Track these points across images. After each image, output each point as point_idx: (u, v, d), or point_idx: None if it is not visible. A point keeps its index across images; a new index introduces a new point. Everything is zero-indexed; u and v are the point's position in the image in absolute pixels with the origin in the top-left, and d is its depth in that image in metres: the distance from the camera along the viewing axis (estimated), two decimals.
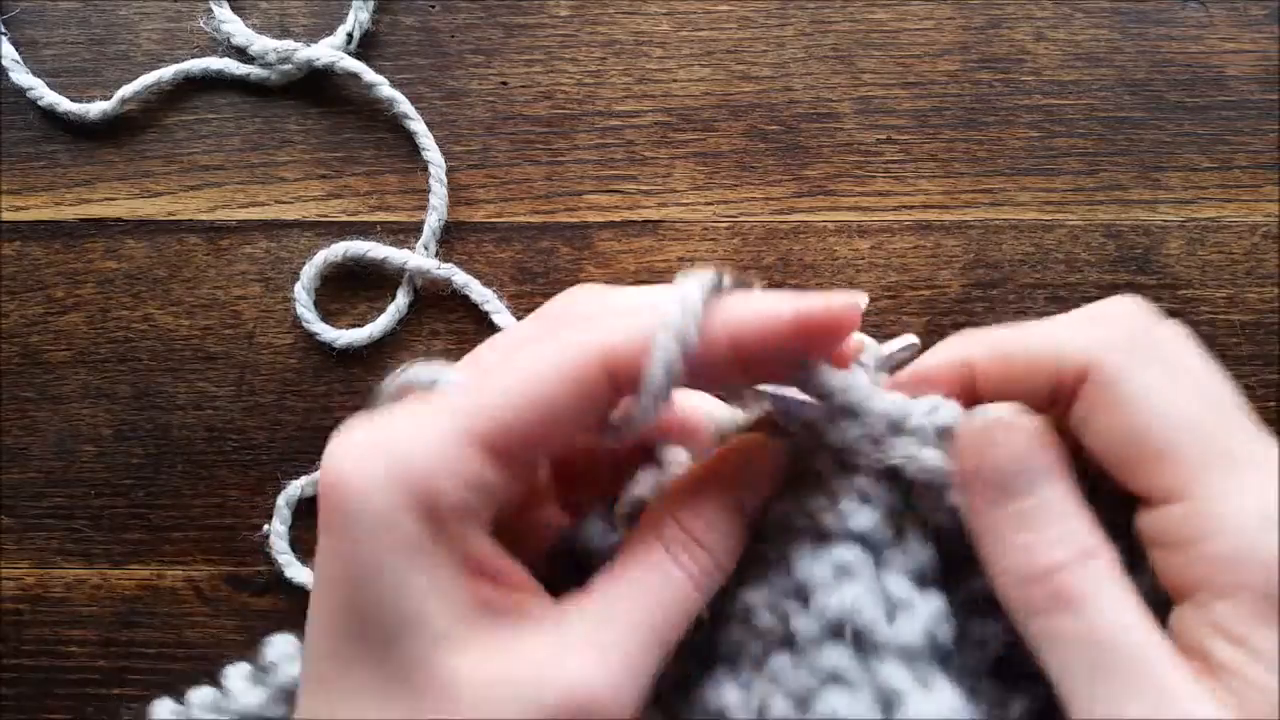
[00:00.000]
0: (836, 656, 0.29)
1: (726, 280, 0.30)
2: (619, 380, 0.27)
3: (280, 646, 0.38)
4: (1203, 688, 0.25)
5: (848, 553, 0.30)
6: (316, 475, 0.46)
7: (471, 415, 0.26)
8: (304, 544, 0.46)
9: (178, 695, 0.42)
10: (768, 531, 0.31)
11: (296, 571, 0.45)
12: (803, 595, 0.30)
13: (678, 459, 0.33)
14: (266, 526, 0.46)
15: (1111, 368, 0.27)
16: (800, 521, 0.31)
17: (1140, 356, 0.28)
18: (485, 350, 0.30)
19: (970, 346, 0.31)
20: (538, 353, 0.27)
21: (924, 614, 0.29)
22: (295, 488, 0.46)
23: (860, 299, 0.30)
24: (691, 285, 0.29)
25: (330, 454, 0.26)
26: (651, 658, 0.27)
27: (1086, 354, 0.28)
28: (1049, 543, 0.28)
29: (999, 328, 0.31)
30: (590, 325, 0.28)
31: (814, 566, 0.30)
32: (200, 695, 0.38)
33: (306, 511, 0.46)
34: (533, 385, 0.26)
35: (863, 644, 0.29)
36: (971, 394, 0.30)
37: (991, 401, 0.29)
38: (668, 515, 0.29)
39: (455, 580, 0.26)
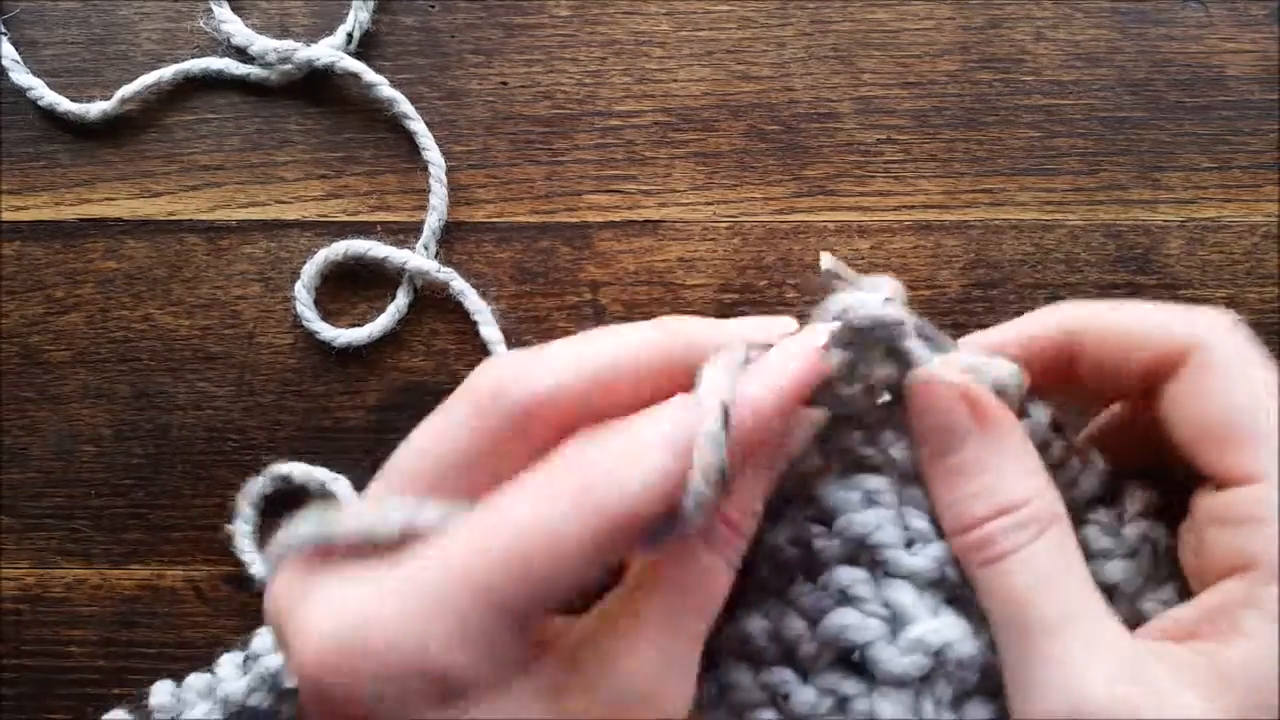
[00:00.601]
0: (851, 575, 0.30)
1: (742, 358, 0.28)
2: (644, 524, 0.26)
3: (266, 638, 0.39)
4: (1114, 660, 0.26)
5: (878, 481, 0.31)
6: (273, 470, 0.46)
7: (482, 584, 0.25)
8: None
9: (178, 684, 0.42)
10: (788, 480, 0.31)
11: (261, 568, 0.46)
12: (827, 519, 0.31)
13: None
14: (228, 527, 0.46)
15: (1220, 350, 0.29)
16: (831, 457, 0.31)
17: (1244, 346, 0.29)
18: (409, 460, 0.27)
19: (1076, 315, 0.31)
20: (541, 521, 0.25)
21: (939, 548, 0.30)
22: (255, 484, 0.46)
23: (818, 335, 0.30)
24: (717, 382, 0.27)
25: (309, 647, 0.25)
26: (697, 649, 0.28)
27: (1195, 335, 0.29)
28: (968, 498, 0.29)
29: (1101, 303, 0.31)
30: (589, 477, 0.25)
31: (843, 492, 0.31)
32: (195, 680, 0.38)
33: (271, 508, 0.46)
34: (548, 561, 0.25)
35: (878, 567, 0.30)
36: (1070, 362, 0.31)
37: (1090, 375, 0.30)
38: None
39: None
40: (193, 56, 0.47)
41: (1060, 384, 0.32)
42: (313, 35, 0.47)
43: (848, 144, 0.47)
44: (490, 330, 0.46)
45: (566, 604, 0.26)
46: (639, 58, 0.47)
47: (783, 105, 0.47)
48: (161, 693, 0.41)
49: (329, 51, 0.46)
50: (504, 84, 0.47)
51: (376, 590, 0.25)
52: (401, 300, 0.47)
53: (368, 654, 0.24)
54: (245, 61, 0.47)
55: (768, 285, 0.46)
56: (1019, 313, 0.46)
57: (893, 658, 0.29)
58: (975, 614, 0.29)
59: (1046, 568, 0.28)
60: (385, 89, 0.46)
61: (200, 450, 0.47)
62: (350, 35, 0.47)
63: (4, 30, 0.47)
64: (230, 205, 0.47)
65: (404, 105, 0.46)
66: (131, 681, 0.46)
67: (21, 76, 0.47)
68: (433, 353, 0.47)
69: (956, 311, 0.46)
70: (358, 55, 0.47)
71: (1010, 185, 0.47)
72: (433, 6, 0.48)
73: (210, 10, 0.47)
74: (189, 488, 0.47)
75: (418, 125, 0.47)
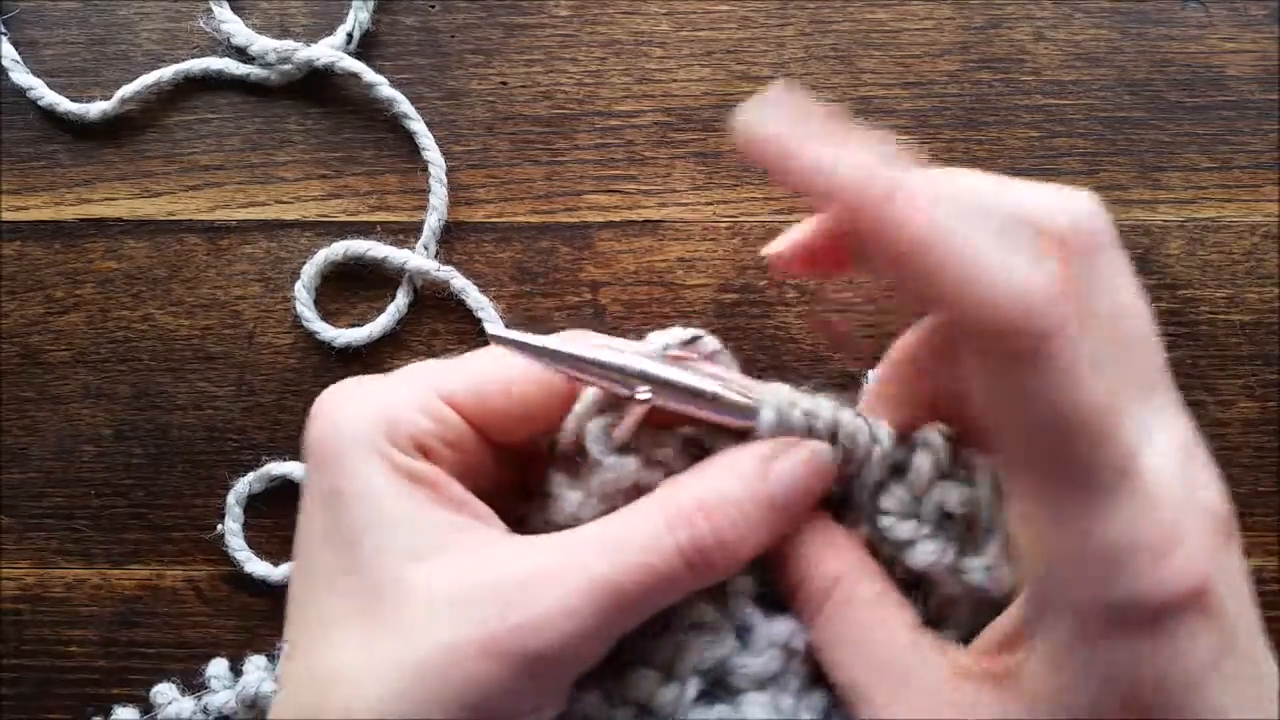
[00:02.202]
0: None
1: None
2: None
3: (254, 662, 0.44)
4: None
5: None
6: (264, 470, 0.46)
7: (438, 376, 0.30)
8: (258, 541, 0.46)
9: (180, 687, 0.44)
10: None
11: (256, 566, 0.46)
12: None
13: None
14: (220, 526, 0.46)
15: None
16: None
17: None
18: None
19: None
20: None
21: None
22: (244, 484, 0.46)
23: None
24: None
25: (317, 402, 0.30)
26: (614, 618, 0.27)
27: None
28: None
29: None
30: None
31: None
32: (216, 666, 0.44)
33: (257, 509, 0.46)
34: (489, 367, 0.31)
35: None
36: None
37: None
38: (684, 488, 0.29)
39: (422, 498, 0.28)
40: (193, 56, 0.47)
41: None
42: (313, 35, 0.47)
43: None
44: (494, 327, 0.46)
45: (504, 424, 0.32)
46: (639, 58, 0.47)
47: None
48: (163, 698, 0.43)
49: (329, 51, 0.46)
50: (504, 84, 0.47)
51: (375, 379, 0.31)
52: (401, 300, 0.47)
53: (355, 395, 0.30)
54: (245, 61, 0.47)
55: (768, 285, 0.46)
56: None
57: (749, 662, 0.30)
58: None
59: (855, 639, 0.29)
60: (385, 89, 0.46)
61: (200, 450, 0.47)
62: (350, 35, 0.47)
63: (4, 30, 0.47)
64: (230, 205, 0.47)
65: (404, 105, 0.46)
66: (131, 681, 0.46)
67: (21, 76, 0.47)
68: (433, 353, 0.47)
69: None
70: (358, 55, 0.47)
71: None
72: (433, 6, 0.48)
73: (210, 10, 0.47)
74: (189, 488, 0.47)
75: (418, 125, 0.47)
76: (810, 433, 0.30)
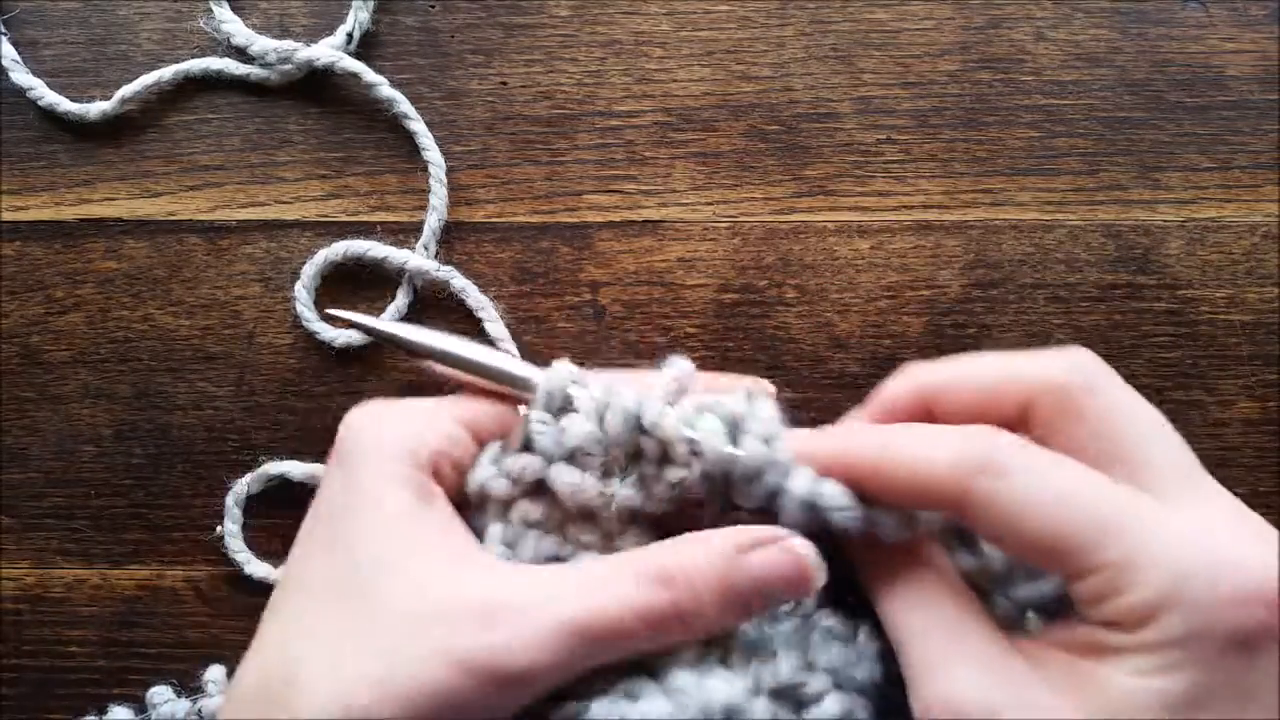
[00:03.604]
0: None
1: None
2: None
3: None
4: (981, 663, 0.29)
5: None
6: (261, 470, 0.46)
7: (459, 404, 0.34)
8: (258, 541, 0.46)
9: (177, 688, 0.44)
10: None
11: (256, 568, 0.46)
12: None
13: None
14: (219, 528, 0.46)
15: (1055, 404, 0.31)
16: None
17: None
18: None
19: (929, 376, 0.33)
20: None
21: None
22: (243, 485, 0.46)
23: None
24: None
25: (346, 416, 0.33)
26: (578, 655, 0.30)
27: (1036, 384, 0.31)
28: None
29: (947, 361, 0.33)
30: None
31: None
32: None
33: (257, 509, 0.46)
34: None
35: None
36: (929, 419, 0.33)
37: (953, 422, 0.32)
38: (660, 552, 0.31)
39: (425, 517, 0.30)
40: (193, 56, 0.47)
41: None
42: (313, 35, 0.47)
43: (848, 144, 0.47)
44: (495, 327, 0.46)
45: None
46: (639, 58, 0.47)
47: (783, 105, 0.47)
48: (160, 699, 0.44)
49: (329, 51, 0.46)
50: (504, 84, 0.47)
51: (403, 402, 0.35)
52: (401, 300, 0.46)
53: (386, 412, 0.34)
54: (245, 61, 0.47)
55: (768, 285, 0.46)
56: (1019, 313, 0.46)
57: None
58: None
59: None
60: (385, 89, 0.46)
61: (200, 450, 0.47)
62: (350, 35, 0.47)
63: (4, 30, 0.47)
64: (230, 205, 0.47)
65: (404, 105, 0.46)
66: (131, 681, 0.46)
67: (21, 76, 0.47)
68: None
69: (956, 312, 0.46)
70: (358, 55, 0.47)
71: (1010, 185, 0.47)
72: (433, 6, 0.48)
73: (210, 10, 0.47)
74: (189, 488, 0.47)
75: (418, 125, 0.47)
76: (600, 420, 0.33)
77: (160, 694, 0.45)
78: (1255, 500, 0.46)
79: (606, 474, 0.33)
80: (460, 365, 0.34)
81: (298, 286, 0.46)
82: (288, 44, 0.46)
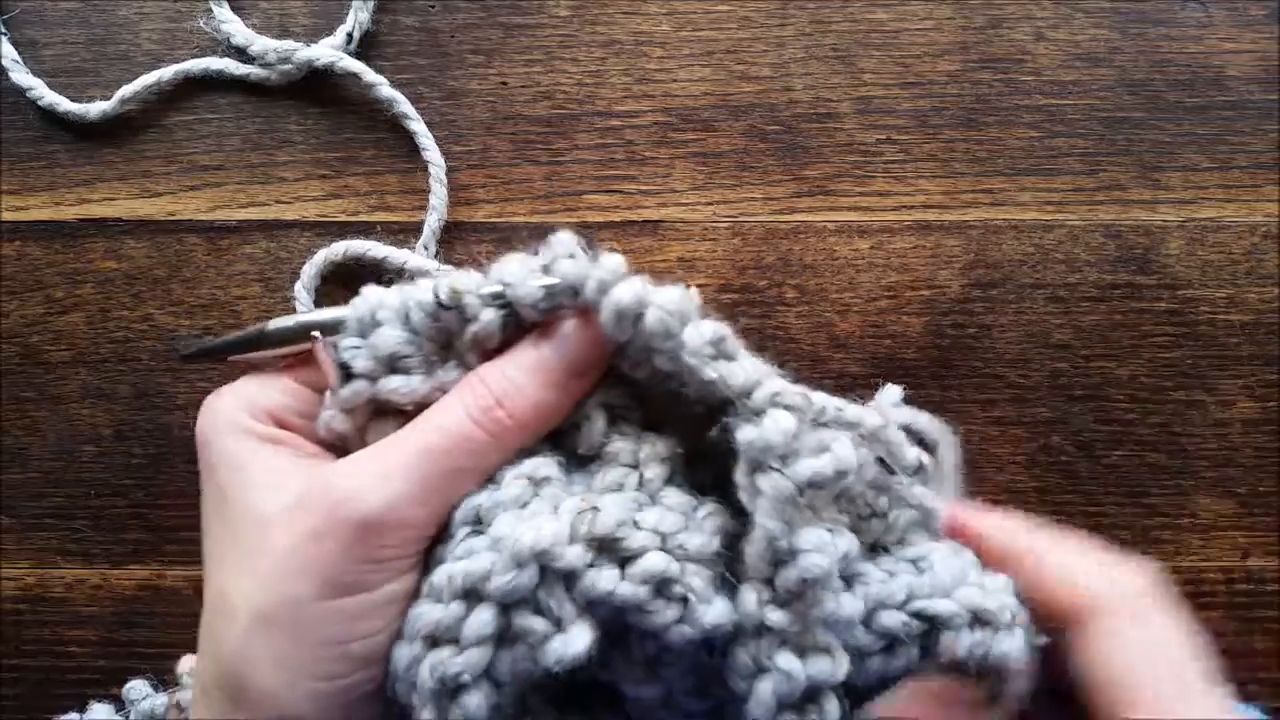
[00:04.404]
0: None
1: None
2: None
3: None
4: None
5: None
6: None
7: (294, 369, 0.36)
8: None
9: (154, 682, 0.44)
10: None
11: None
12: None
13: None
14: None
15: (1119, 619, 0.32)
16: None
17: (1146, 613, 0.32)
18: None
19: (1031, 542, 0.35)
20: None
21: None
22: None
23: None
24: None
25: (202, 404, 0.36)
26: (431, 480, 0.32)
27: (1098, 597, 0.32)
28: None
29: (1050, 536, 0.34)
30: None
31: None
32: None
33: None
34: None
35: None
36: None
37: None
38: (474, 372, 0.34)
39: (275, 453, 0.33)
40: (193, 56, 0.47)
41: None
42: (313, 35, 0.47)
43: (848, 144, 0.47)
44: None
45: None
46: (639, 58, 0.47)
47: (783, 105, 0.47)
48: (136, 693, 0.43)
49: (329, 51, 0.46)
50: (504, 84, 0.47)
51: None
52: None
53: (225, 391, 0.36)
54: (245, 61, 0.47)
55: (768, 285, 0.46)
56: (1019, 313, 0.46)
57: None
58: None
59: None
60: (385, 89, 0.46)
61: None
62: (350, 35, 0.47)
63: (4, 30, 0.47)
64: (230, 205, 0.47)
65: (404, 105, 0.46)
66: None
67: (21, 76, 0.47)
68: None
69: (956, 312, 0.46)
70: (358, 55, 0.47)
71: (1010, 185, 0.47)
72: (433, 6, 0.48)
73: (210, 10, 0.47)
74: (189, 488, 0.47)
75: (418, 125, 0.47)
76: (405, 319, 0.34)
77: (137, 689, 0.44)
78: (1255, 500, 0.46)
79: (430, 371, 0.34)
80: (284, 339, 0.36)
81: (297, 286, 0.46)
82: (288, 44, 0.46)
